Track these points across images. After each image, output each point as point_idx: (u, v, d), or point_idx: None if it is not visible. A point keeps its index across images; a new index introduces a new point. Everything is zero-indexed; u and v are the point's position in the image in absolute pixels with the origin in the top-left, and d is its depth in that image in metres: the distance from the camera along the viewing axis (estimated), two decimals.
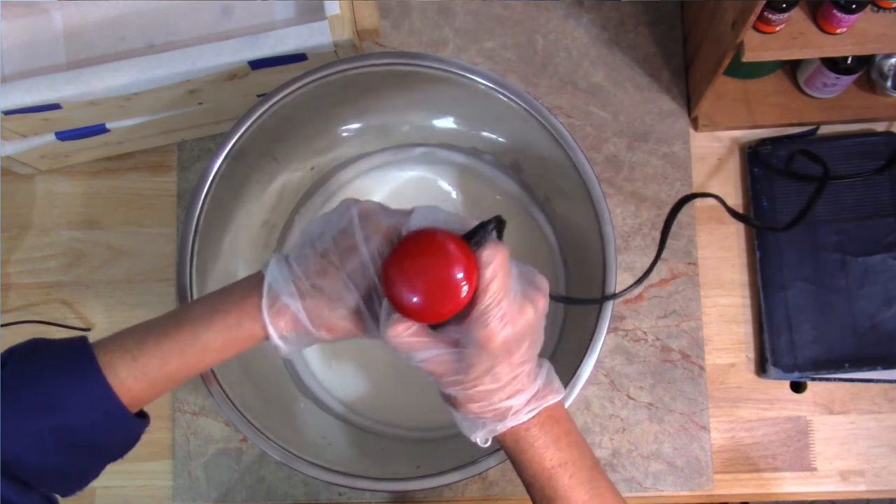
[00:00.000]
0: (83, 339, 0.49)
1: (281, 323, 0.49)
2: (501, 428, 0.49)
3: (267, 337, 0.50)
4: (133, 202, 0.86)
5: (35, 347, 0.49)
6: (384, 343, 0.49)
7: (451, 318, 0.47)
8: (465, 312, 0.47)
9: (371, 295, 0.50)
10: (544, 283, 0.50)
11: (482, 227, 0.47)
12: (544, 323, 0.50)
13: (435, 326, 0.48)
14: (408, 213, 0.51)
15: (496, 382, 0.48)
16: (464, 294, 0.45)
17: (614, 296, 0.61)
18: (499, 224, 0.48)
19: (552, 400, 0.50)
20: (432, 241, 0.46)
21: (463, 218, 0.50)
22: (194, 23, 0.75)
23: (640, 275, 0.81)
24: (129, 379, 0.48)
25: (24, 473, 0.47)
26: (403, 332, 0.47)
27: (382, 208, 0.52)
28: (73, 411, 0.47)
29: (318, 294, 0.49)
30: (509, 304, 0.47)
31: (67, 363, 0.48)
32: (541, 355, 0.52)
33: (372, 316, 0.50)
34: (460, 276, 0.45)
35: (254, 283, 0.51)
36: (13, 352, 0.49)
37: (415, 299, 0.45)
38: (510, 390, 0.49)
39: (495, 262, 0.46)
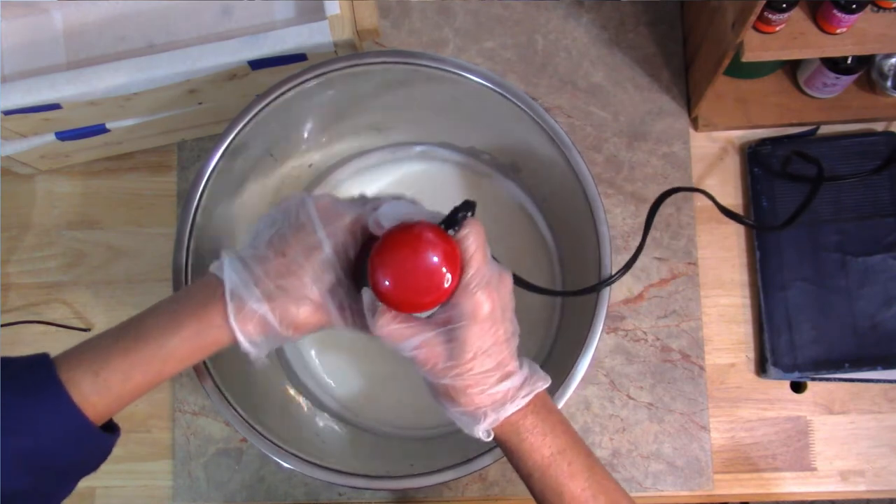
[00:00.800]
0: (44, 357, 0.48)
1: (249, 328, 0.49)
2: (503, 414, 0.49)
3: (234, 342, 0.50)
4: (133, 202, 0.86)
5: None
6: (371, 334, 0.50)
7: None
8: (451, 292, 0.48)
9: (336, 287, 0.50)
10: (506, 268, 0.52)
11: (456, 212, 0.49)
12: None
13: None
14: (365, 204, 0.52)
15: (489, 360, 0.49)
16: (449, 280, 0.47)
17: (595, 287, 0.61)
18: (472, 208, 0.50)
19: (543, 385, 0.51)
20: (415, 235, 0.47)
21: (427, 210, 0.51)
22: (194, 23, 0.75)
23: (639, 274, 0.82)
24: (92, 395, 0.47)
25: None
26: (392, 322, 0.48)
27: (339, 201, 0.52)
28: (38, 431, 0.46)
29: (283, 294, 0.49)
30: (491, 273, 0.49)
31: (29, 382, 0.46)
32: (536, 358, 0.52)
33: (338, 307, 0.50)
34: (445, 263, 0.47)
35: (210, 289, 0.50)
36: None
37: (405, 293, 0.47)
38: (503, 371, 0.49)
39: (473, 237, 0.48)
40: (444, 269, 0.47)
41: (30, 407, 0.46)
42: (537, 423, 0.50)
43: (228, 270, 0.49)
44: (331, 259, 0.49)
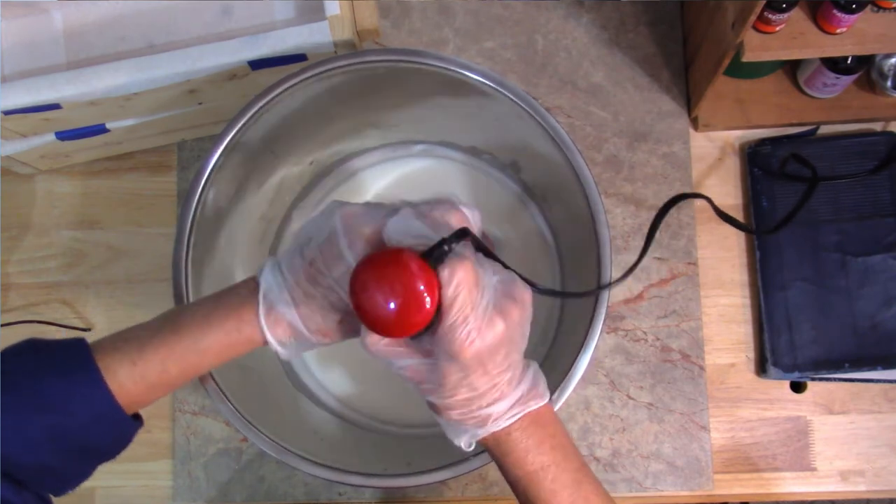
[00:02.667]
0: (81, 341, 0.49)
1: (278, 330, 0.50)
2: (483, 433, 0.49)
3: (265, 343, 0.51)
4: (133, 202, 0.86)
5: (31, 347, 0.49)
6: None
7: (425, 329, 0.47)
8: (436, 325, 0.46)
9: None
10: (523, 293, 0.48)
11: (441, 244, 0.46)
12: (528, 329, 0.49)
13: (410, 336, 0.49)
14: (388, 214, 0.50)
15: (473, 391, 0.48)
16: (423, 310, 0.45)
17: (597, 289, 0.61)
18: (464, 238, 0.47)
19: (535, 405, 0.50)
20: (389, 261, 0.46)
21: (438, 222, 0.49)
22: (194, 23, 0.75)
23: (639, 274, 0.82)
24: (128, 383, 0.48)
25: (18, 471, 0.47)
26: (379, 342, 0.48)
27: (364, 211, 0.51)
28: (71, 412, 0.47)
29: (311, 302, 0.50)
30: (477, 319, 0.45)
31: (66, 364, 0.48)
32: (535, 357, 0.51)
33: None
34: (419, 293, 0.45)
35: (250, 288, 0.51)
36: (8, 351, 0.49)
37: (378, 317, 0.46)
38: (489, 398, 0.48)
39: (457, 278, 0.45)
40: (416, 300, 0.44)
41: (65, 387, 0.47)
42: (521, 440, 0.49)
43: (266, 273, 0.51)
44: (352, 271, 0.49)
